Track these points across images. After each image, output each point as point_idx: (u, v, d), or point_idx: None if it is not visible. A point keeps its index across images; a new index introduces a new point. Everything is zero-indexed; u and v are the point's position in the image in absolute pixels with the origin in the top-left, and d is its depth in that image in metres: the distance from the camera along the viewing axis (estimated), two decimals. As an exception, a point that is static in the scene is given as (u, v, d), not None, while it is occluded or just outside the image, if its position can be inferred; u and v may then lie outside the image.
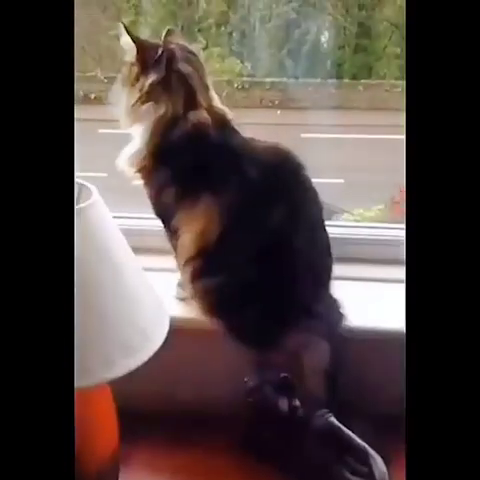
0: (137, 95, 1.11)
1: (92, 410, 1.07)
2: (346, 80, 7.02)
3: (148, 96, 1.08)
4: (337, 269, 1.16)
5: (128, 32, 1.06)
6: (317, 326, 1.07)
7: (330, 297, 1.15)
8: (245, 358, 1.13)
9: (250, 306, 1.07)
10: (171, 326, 0.97)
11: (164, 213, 1.09)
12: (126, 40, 1.08)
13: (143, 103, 1.10)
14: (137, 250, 0.98)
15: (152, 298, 0.98)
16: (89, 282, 0.84)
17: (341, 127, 6.20)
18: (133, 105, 1.11)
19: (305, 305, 1.07)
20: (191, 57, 1.14)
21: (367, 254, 1.34)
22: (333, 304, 1.15)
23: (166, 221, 1.11)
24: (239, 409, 1.16)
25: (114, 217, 0.93)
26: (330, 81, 6.82)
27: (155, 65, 1.12)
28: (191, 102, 1.09)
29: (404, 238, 1.10)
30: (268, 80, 4.59)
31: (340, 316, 1.14)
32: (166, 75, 1.10)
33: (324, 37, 7.09)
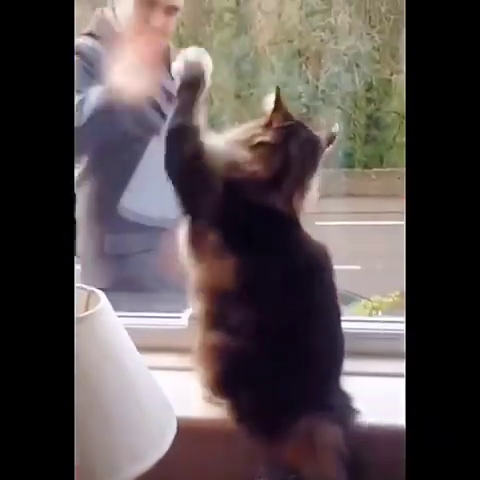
0: (250, 137, 1.10)
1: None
2: (358, 169, 7.20)
3: (253, 147, 1.07)
4: (353, 364, 1.13)
5: (277, 94, 1.06)
6: (329, 415, 1.04)
7: (341, 392, 1.12)
8: (256, 458, 1.08)
9: (258, 391, 1.04)
10: (178, 426, 0.94)
11: (194, 210, 1.02)
12: (271, 100, 1.09)
13: (249, 149, 1.08)
14: (144, 349, 0.97)
15: (160, 401, 0.95)
16: (97, 388, 0.82)
17: (355, 214, 6.30)
18: (244, 140, 1.10)
19: (315, 396, 1.04)
20: (308, 146, 1.11)
21: (381, 348, 1.31)
22: (344, 399, 1.11)
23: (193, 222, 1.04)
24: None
25: (120, 316, 0.93)
26: (342, 170, 7.00)
27: (275, 130, 1.11)
28: (274, 183, 1.06)
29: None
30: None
31: (352, 411, 1.10)
32: (274, 145, 1.09)
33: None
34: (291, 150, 1.07)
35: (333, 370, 1.09)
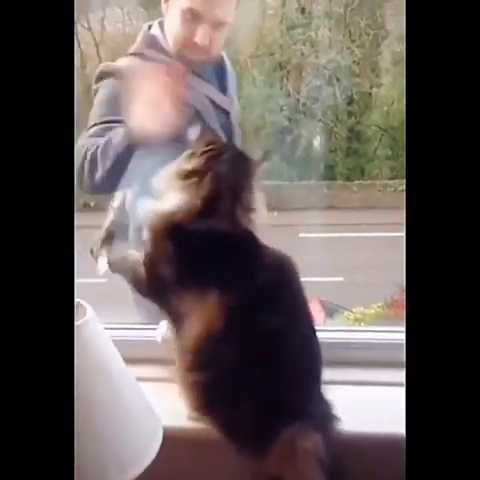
0: (180, 170, 1.12)
1: None
2: (339, 181, 7.27)
3: (184, 178, 1.08)
4: (336, 373, 1.14)
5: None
6: (309, 423, 1.05)
7: (321, 399, 1.13)
8: (242, 467, 1.08)
9: (240, 406, 1.05)
10: (164, 436, 0.94)
11: (156, 285, 1.06)
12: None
13: (180, 179, 1.10)
14: (131, 360, 0.97)
15: (146, 411, 0.95)
16: (84, 398, 0.82)
17: (336, 226, 6.34)
18: (176, 174, 1.11)
19: (296, 406, 1.05)
20: (237, 164, 1.12)
21: (365, 357, 1.32)
22: (325, 406, 1.12)
23: (158, 296, 1.07)
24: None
25: (106, 328, 0.93)
26: (323, 182, 7.05)
27: (199, 156, 1.11)
28: (212, 206, 1.07)
29: (403, 341, 1.07)
30: (263, 183, 4.75)
31: (332, 418, 1.11)
32: (201, 171, 1.10)
33: (316, 141, 7.42)
34: (218, 171, 1.09)
35: (312, 378, 1.10)
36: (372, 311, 4.00)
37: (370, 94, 7.29)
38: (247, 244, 1.08)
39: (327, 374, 1.12)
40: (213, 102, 1.45)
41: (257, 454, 1.06)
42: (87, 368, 0.83)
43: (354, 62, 6.89)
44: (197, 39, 1.32)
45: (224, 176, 1.08)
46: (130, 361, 0.96)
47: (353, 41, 6.85)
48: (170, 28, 1.39)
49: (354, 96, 7.02)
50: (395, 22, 6.74)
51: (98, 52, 7.14)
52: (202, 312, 1.04)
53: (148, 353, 1.26)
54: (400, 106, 6.86)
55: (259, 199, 1.14)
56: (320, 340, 1.10)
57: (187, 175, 1.08)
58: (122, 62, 1.35)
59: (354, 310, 4.11)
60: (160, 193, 1.11)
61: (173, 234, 1.07)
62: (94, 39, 7.05)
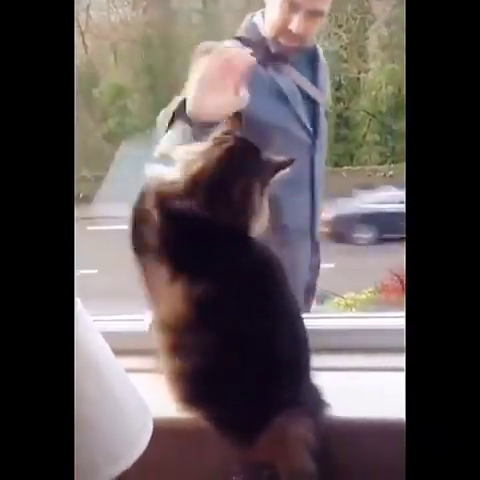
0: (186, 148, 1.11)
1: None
2: (328, 167, 7.29)
3: (186, 155, 1.08)
4: (327, 359, 1.14)
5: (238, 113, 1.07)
6: (300, 411, 1.05)
7: (311, 386, 1.14)
8: (231, 456, 1.09)
9: (228, 396, 1.05)
10: (154, 427, 0.94)
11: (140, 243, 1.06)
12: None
13: (184, 155, 1.10)
14: (119, 352, 0.96)
15: (136, 402, 0.95)
16: (75, 390, 0.82)
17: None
18: (180, 151, 1.11)
19: (285, 394, 1.05)
20: (249, 163, 1.11)
21: (356, 343, 1.33)
22: (314, 393, 1.13)
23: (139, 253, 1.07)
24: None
25: (95, 321, 0.92)
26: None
27: (212, 140, 1.11)
28: (195, 188, 1.07)
29: (395, 326, 1.08)
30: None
31: (322, 403, 1.12)
32: (204, 152, 1.09)
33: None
34: (218, 158, 1.08)
35: (300, 366, 1.11)
36: (363, 296, 4.03)
37: (358, 79, 7.28)
38: (230, 236, 1.07)
39: (319, 361, 1.13)
40: (302, 91, 1.47)
41: (247, 443, 1.06)
42: (76, 361, 0.83)
43: (341, 47, 6.86)
44: (292, 26, 1.34)
45: (222, 165, 1.06)
46: (118, 352, 0.96)
47: (340, 26, 6.81)
48: (269, 15, 1.43)
49: (342, 81, 7.01)
50: (382, 6, 6.72)
51: (84, 41, 7.09)
52: (171, 297, 1.04)
53: (136, 344, 1.25)
54: (388, 91, 6.86)
55: (264, 205, 1.11)
56: (311, 327, 1.11)
57: (190, 153, 1.07)
58: (225, 44, 1.37)
59: (345, 296, 4.14)
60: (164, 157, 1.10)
61: (162, 206, 1.05)
62: (79, 27, 6.98)
